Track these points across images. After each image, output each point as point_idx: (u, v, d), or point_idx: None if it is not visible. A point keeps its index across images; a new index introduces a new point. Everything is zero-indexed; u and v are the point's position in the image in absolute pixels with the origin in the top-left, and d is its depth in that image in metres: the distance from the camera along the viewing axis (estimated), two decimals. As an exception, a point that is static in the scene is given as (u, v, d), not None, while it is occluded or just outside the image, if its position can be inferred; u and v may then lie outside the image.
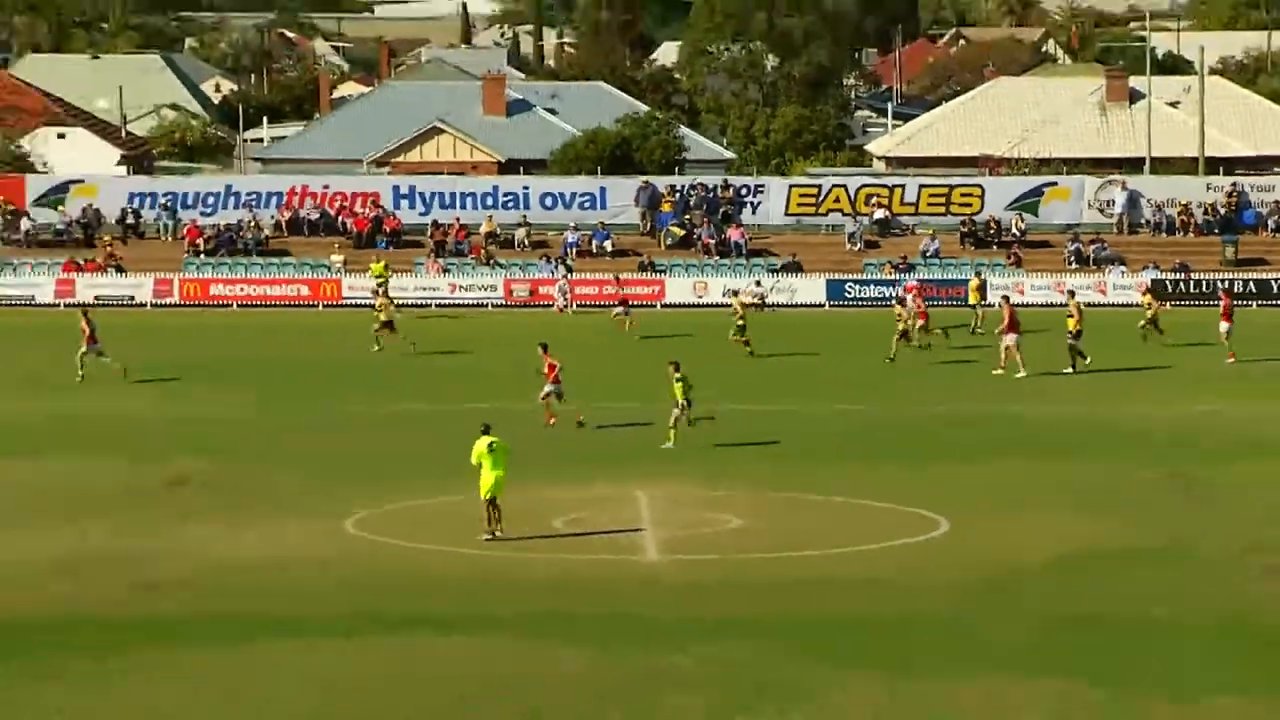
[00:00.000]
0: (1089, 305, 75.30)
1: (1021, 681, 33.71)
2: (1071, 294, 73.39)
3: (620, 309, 79.58)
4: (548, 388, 56.72)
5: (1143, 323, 73.50)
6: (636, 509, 47.09)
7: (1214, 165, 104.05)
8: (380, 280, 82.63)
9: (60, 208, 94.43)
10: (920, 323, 72.77)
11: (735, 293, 79.27)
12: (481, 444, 42.90)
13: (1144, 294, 77.51)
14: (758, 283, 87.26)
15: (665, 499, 48.06)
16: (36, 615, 38.08)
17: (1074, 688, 33.32)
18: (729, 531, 45.34)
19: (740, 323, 73.27)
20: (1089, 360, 67.85)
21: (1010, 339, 67.46)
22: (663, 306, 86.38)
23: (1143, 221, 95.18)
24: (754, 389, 65.92)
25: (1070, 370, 67.72)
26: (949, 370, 69.87)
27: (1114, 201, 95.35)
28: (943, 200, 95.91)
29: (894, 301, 76.87)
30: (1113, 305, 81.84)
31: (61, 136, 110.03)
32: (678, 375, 54.20)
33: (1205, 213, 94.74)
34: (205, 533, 44.52)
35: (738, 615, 38.10)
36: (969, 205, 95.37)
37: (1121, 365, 69.69)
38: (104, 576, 40.62)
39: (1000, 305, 70.78)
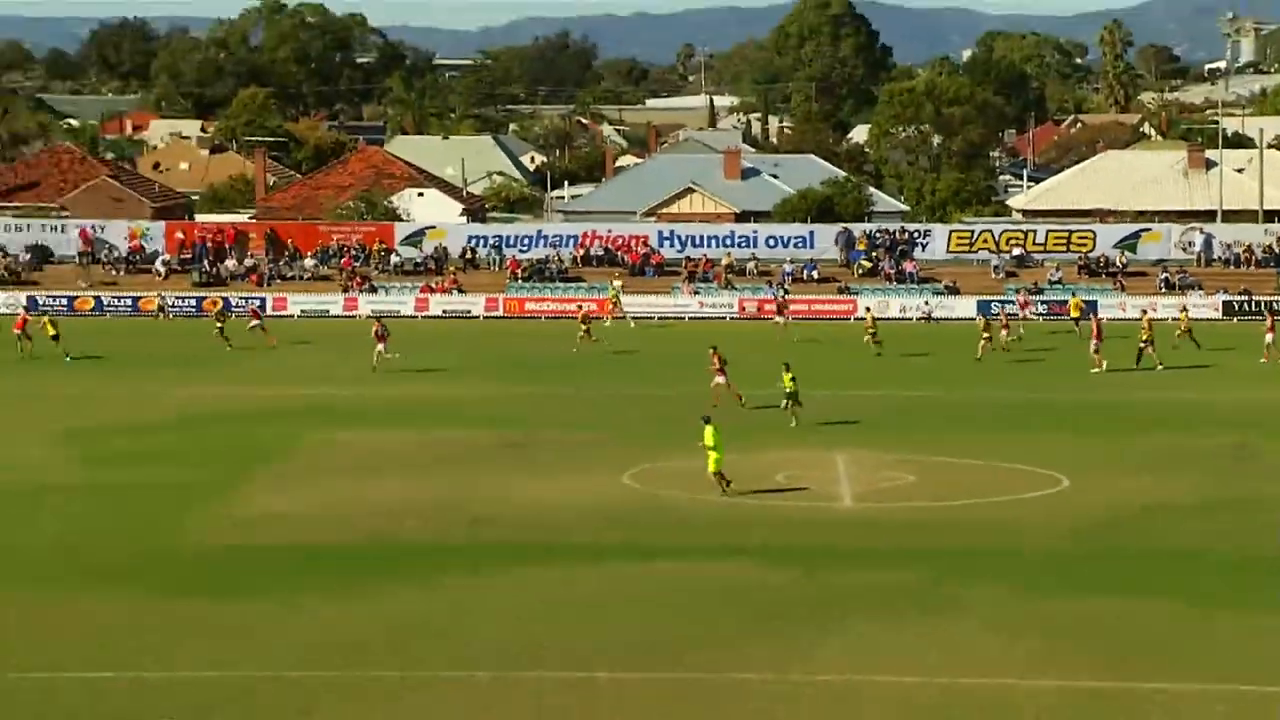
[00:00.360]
0: (1174, 320, 74.17)
1: (1122, 598, 33.25)
2: (1144, 312, 72.33)
3: (781, 319, 79.21)
4: (718, 379, 56.19)
5: (1178, 333, 71.75)
6: (835, 469, 46.74)
7: (1270, 215, 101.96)
8: (615, 302, 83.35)
9: (419, 246, 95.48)
10: (1004, 332, 72.12)
11: (868, 308, 78.51)
12: (708, 431, 42.64)
13: (1181, 312, 75.71)
14: (926, 303, 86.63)
15: (856, 461, 47.63)
16: (402, 541, 38.52)
17: (1159, 601, 32.93)
18: (906, 485, 44.90)
19: (872, 330, 72.60)
20: (1139, 366, 66.48)
21: (1094, 345, 66.53)
22: (855, 320, 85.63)
23: (1216, 258, 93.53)
24: (916, 380, 65.29)
25: (1134, 366, 66.51)
26: (1051, 367, 68.62)
27: (1194, 243, 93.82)
28: (1064, 241, 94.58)
29: (981, 314, 76.35)
30: (1192, 320, 79.88)
31: (420, 195, 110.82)
32: (789, 374, 53.53)
33: (1263, 251, 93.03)
34: (520, 482, 44.77)
35: (912, 547, 37.84)
36: (1084, 244, 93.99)
37: (1191, 364, 68.31)
38: (447, 514, 41.00)
39: (1091, 320, 70.08)
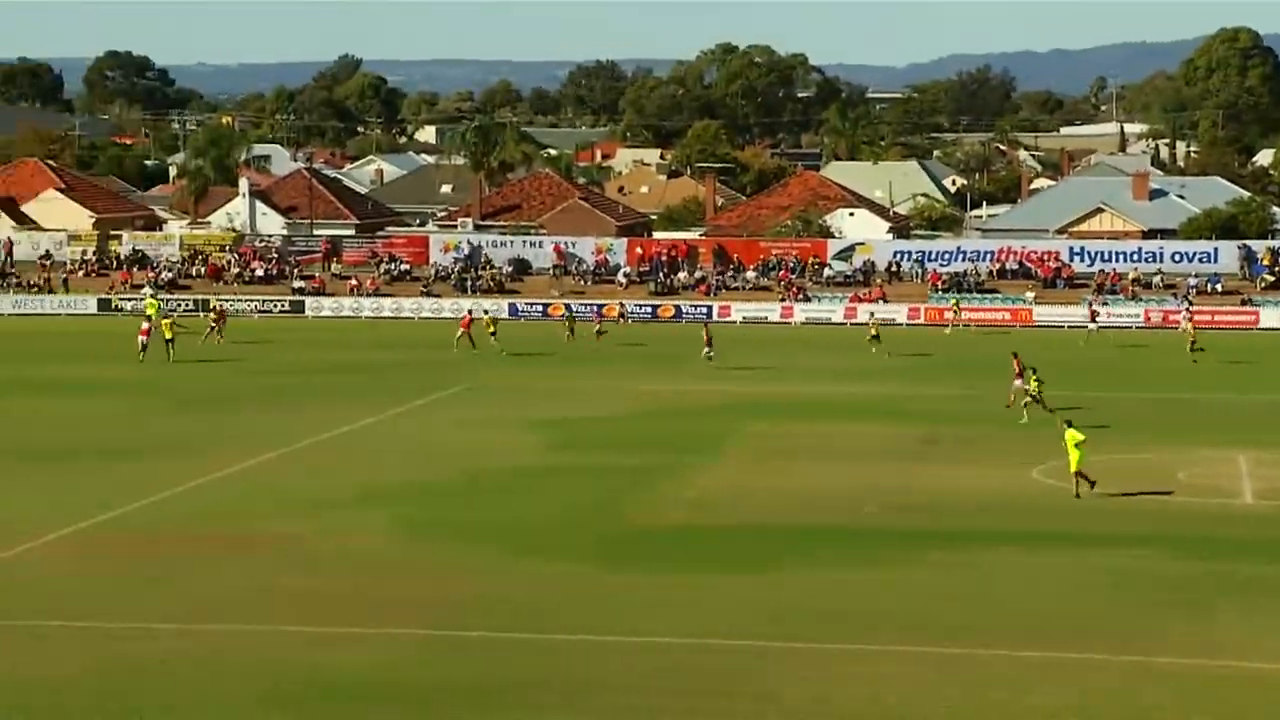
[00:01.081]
0: None
1: None
2: None
3: (1092, 326, 76.22)
4: (1016, 383, 53.91)
5: None
6: (1238, 468, 44.40)
7: None
8: (954, 312, 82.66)
9: (849, 261, 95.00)
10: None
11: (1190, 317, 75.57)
12: (1070, 433, 40.68)
13: None
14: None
15: (1259, 461, 45.15)
16: (825, 524, 38.03)
17: None
18: (1305, 486, 42.40)
19: (1193, 339, 70.12)
20: None
21: None
22: (1258, 330, 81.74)
23: None
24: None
25: None
26: None
27: None
28: None
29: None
30: None
31: (851, 215, 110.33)
32: (1035, 376, 52.23)
33: None
34: (938, 473, 43.90)
35: (1310, 544, 35.62)
36: None
37: None
38: (869, 500, 40.30)
39: None
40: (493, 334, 71.68)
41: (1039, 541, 35.82)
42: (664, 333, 77.91)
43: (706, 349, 67.17)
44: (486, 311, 78.81)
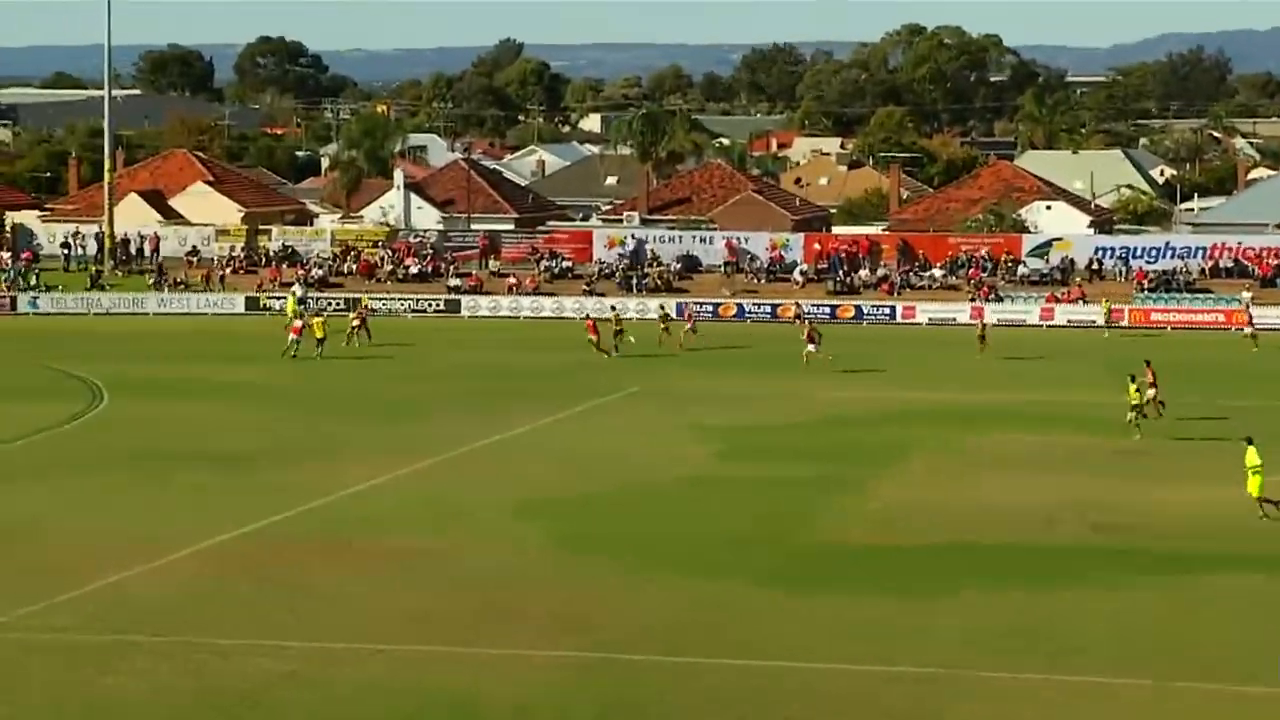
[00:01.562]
0: None
1: None
2: None
3: (1249, 330, 76.51)
4: (1150, 392, 52.38)
5: None
6: None
7: None
8: (1106, 313, 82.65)
9: (1045, 258, 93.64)
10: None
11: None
12: (1250, 452, 39.64)
13: None
14: None
15: None
16: (1018, 542, 37.48)
17: None
18: None
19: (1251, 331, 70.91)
20: None
21: None
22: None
23: None
24: None
25: None
26: None
27: None
28: None
29: None
30: None
31: (1048, 208, 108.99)
32: (1134, 385, 51.02)
33: None
34: (1141, 489, 43.10)
35: None
36: None
37: None
38: (1074, 517, 39.76)
39: None
40: (619, 332, 71.80)
41: (1257, 566, 34.95)
42: (843, 334, 77.16)
43: (811, 347, 66.75)
44: (613, 308, 79.12)
